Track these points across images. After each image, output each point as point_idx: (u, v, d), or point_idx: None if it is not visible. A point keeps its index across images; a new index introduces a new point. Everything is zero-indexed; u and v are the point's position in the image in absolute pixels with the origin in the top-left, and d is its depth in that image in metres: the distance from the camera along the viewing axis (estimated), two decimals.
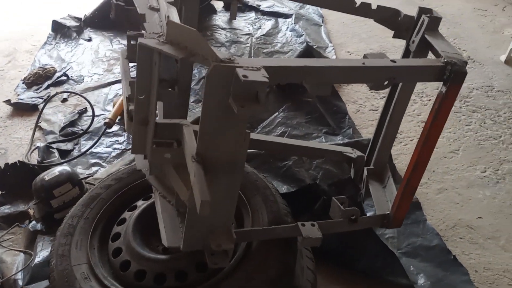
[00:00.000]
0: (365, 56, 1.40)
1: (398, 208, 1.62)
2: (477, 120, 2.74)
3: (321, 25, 3.73)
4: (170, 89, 1.83)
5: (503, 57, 3.17)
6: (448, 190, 2.30)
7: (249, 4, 3.98)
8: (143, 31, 1.86)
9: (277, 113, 2.83)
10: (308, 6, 3.97)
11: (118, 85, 3.22)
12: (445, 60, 1.38)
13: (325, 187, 2.12)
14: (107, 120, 2.71)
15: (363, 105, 2.91)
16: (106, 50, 3.63)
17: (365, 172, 1.96)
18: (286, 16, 3.82)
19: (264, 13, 3.89)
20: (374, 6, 1.78)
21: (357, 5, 1.78)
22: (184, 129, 1.40)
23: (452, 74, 1.37)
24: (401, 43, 3.52)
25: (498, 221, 2.15)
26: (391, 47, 3.39)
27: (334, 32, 3.65)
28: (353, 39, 3.58)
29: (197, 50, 1.20)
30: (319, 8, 3.93)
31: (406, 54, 1.77)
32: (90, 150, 2.62)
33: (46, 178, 2.17)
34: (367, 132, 2.69)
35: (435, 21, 1.62)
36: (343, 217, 1.61)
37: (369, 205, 2.13)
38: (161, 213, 1.56)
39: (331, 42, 3.49)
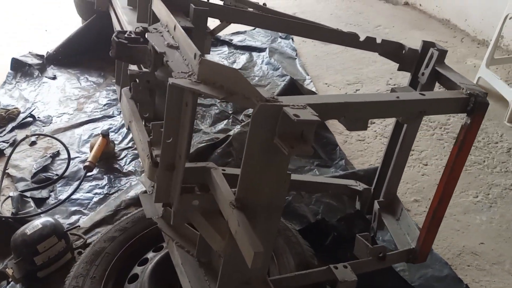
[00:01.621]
0: (393, 90, 1.39)
1: (424, 242, 1.59)
2: None
3: (295, 58, 3.77)
4: None
5: None
6: (446, 217, 2.32)
7: (221, 38, 3.96)
8: (144, 69, 1.76)
9: None
10: (279, 40, 4.01)
11: (92, 125, 3.04)
12: (468, 92, 1.40)
13: (334, 223, 2.06)
14: (87, 164, 2.52)
15: (349, 135, 2.93)
16: (74, 88, 3.44)
17: (376, 205, 1.94)
18: (259, 50, 3.83)
19: (237, 47, 3.88)
20: (378, 40, 1.80)
21: (361, 39, 1.80)
22: (213, 173, 1.30)
23: (476, 105, 1.39)
24: (375, 74, 3.62)
25: (499, 246, 2.19)
26: (365, 78, 3.48)
27: (309, 65, 3.70)
28: (329, 71, 3.64)
29: (237, 89, 1.12)
30: (291, 42, 3.98)
31: (413, 86, 1.79)
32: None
33: (28, 232, 1.95)
34: (358, 162, 2.70)
35: (443, 54, 1.66)
36: (371, 256, 1.55)
37: (377, 238, 2.09)
38: (181, 266, 1.43)
39: (308, 75, 3.53)
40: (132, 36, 1.61)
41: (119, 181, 2.60)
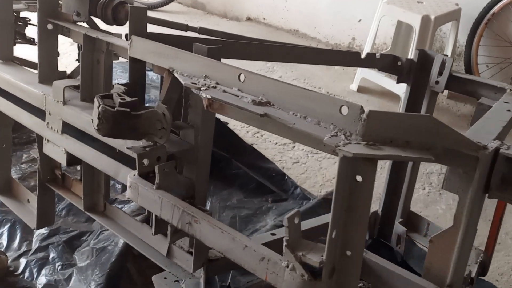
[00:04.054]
0: (481, 104, 1.26)
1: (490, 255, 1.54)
2: None
3: None
4: None
5: (353, 86, 3.54)
6: None
7: None
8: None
9: (210, 197, 2.34)
10: None
11: None
12: None
13: None
14: None
15: (282, 161, 2.73)
16: None
17: (399, 227, 1.80)
18: None
19: None
20: (377, 56, 1.68)
21: (363, 56, 1.64)
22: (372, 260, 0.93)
23: None
24: None
25: None
26: None
27: None
28: None
29: (433, 141, 0.81)
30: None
31: (412, 97, 1.71)
32: None
33: None
34: (308, 186, 2.54)
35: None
36: None
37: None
38: None
39: None
40: (127, 100, 1.07)
41: None
